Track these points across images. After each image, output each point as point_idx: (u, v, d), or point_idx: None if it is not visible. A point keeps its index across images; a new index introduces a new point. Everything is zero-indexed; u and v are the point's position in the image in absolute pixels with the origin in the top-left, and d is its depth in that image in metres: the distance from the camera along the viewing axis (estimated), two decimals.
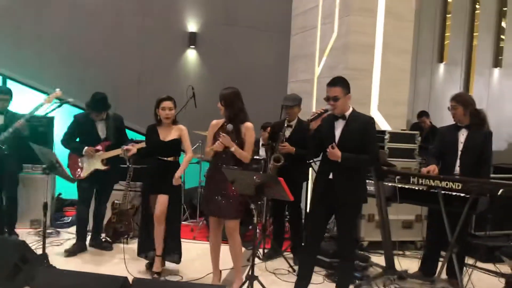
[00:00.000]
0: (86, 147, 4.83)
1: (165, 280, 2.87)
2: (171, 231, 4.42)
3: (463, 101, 4.33)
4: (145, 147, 4.53)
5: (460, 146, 4.34)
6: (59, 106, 4.58)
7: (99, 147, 4.90)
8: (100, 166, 4.91)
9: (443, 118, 8.70)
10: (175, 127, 4.43)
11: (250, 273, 3.54)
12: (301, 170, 5.07)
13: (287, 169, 4.76)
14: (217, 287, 2.91)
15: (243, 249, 4.91)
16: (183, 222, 6.27)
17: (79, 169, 4.93)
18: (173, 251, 4.47)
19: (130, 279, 2.97)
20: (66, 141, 4.94)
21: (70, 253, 4.86)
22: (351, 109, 3.75)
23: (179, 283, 2.93)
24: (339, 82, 3.68)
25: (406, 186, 4.36)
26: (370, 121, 3.76)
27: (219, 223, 4.14)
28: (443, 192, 4.04)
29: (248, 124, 4.05)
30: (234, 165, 3.94)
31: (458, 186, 3.89)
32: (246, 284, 3.54)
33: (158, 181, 4.34)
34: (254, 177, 3.40)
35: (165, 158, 4.37)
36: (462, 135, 4.36)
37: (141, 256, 4.53)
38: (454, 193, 4.05)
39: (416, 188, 4.32)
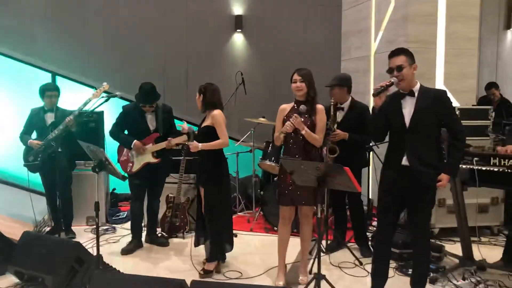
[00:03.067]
0: (135, 141, 4.66)
1: (224, 282, 2.66)
2: (220, 224, 4.17)
3: None
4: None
5: None
6: (107, 100, 4.42)
7: (148, 140, 4.72)
8: (151, 159, 4.73)
9: None
10: (210, 114, 4.14)
11: (317, 270, 3.25)
12: (358, 157, 4.70)
13: (341, 157, 4.37)
14: None
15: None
16: (239, 213, 6.11)
17: (130, 164, 4.78)
18: (224, 244, 4.26)
19: (188, 278, 2.76)
20: (114, 133, 4.79)
21: (127, 251, 4.74)
22: (419, 84, 3.32)
23: (239, 285, 2.69)
24: (402, 51, 3.27)
25: (485, 168, 3.94)
26: (444, 94, 3.31)
27: (292, 212, 3.90)
28: None
29: (320, 106, 3.83)
30: (304, 150, 3.74)
31: None
32: (313, 284, 3.24)
33: (200, 173, 4.16)
34: (317, 167, 3.07)
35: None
36: None
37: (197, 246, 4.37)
38: None
39: (497, 169, 3.89)
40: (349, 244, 4.78)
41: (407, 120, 3.24)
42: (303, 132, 3.69)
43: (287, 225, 3.94)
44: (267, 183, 5.89)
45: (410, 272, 3.80)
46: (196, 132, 4.23)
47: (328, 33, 7.63)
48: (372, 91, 3.30)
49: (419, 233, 3.38)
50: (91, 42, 7.31)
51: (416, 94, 3.27)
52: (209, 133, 4.09)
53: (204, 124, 4.15)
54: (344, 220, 4.94)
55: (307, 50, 7.53)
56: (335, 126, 4.53)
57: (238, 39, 7.72)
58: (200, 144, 4.04)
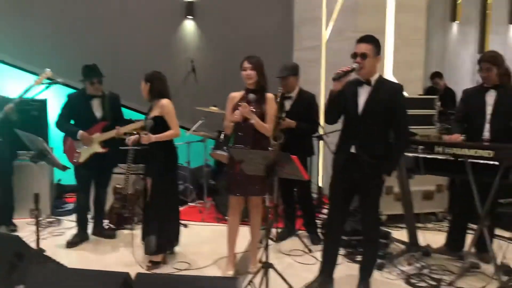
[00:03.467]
0: (80, 132, 4.47)
1: (170, 274, 2.60)
2: (167, 215, 4.10)
3: (497, 61, 3.89)
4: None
5: (489, 109, 3.94)
6: (48, 87, 4.23)
7: (95, 129, 4.54)
8: (99, 149, 4.57)
9: (458, 79, 8.28)
10: (157, 103, 4.03)
11: (264, 259, 3.23)
12: (305, 145, 4.70)
13: (288, 145, 4.31)
14: (229, 280, 2.60)
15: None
16: (190, 204, 6.03)
17: (76, 154, 4.60)
18: (172, 237, 4.22)
19: (136, 270, 2.67)
20: (60, 124, 4.58)
21: (72, 244, 4.58)
22: (378, 75, 3.33)
23: (186, 276, 2.63)
24: (371, 40, 3.24)
25: (430, 156, 4.03)
26: (400, 89, 3.31)
27: (241, 202, 3.88)
28: (470, 161, 3.70)
29: (270, 95, 3.80)
30: (254, 139, 3.70)
31: (490, 154, 3.51)
32: (261, 273, 3.23)
33: (148, 163, 4.07)
34: (265, 156, 3.04)
35: None
36: (490, 97, 3.95)
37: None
38: (483, 162, 3.72)
39: (441, 157, 3.99)
40: (299, 232, 4.81)
41: (360, 108, 3.26)
42: (252, 121, 3.65)
43: (236, 214, 3.91)
44: (220, 172, 5.84)
45: (358, 259, 3.86)
46: (146, 123, 4.07)
47: (281, 22, 7.58)
48: (330, 77, 3.25)
49: (368, 219, 3.43)
50: (34, 26, 6.95)
51: (373, 84, 3.27)
52: (159, 124, 3.98)
53: (152, 115, 4.03)
54: (294, 209, 4.96)
55: (260, 38, 7.46)
56: (284, 115, 4.52)
57: (189, 26, 7.56)
58: (153, 136, 3.92)
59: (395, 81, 5.69)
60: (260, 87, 3.76)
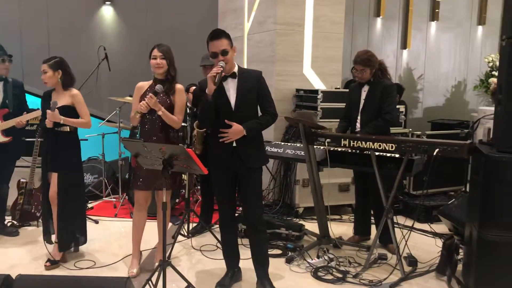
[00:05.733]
0: None
1: (52, 276, 2.43)
2: (72, 212, 3.90)
3: (370, 62, 4.14)
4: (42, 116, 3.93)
5: (362, 103, 4.24)
6: None
7: None
8: (0, 138, 4.27)
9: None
10: (67, 93, 3.84)
11: (163, 257, 3.10)
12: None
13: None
14: (118, 280, 2.46)
15: (170, 224, 4.51)
16: (105, 198, 5.78)
17: None
18: (78, 233, 4.03)
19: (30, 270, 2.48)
20: None
21: None
22: (237, 66, 3.32)
23: (66, 277, 2.46)
24: (224, 34, 3.20)
25: (338, 149, 4.07)
26: (261, 75, 3.34)
27: (147, 197, 3.75)
28: (376, 154, 3.77)
29: (179, 86, 3.68)
30: (162, 132, 3.59)
31: (392, 147, 3.57)
32: (157, 272, 3.10)
33: (51, 155, 3.79)
34: (160, 148, 2.91)
35: (57, 129, 3.78)
36: (364, 92, 4.26)
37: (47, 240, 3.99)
38: (387, 154, 3.81)
39: (348, 150, 4.04)
40: (214, 227, 4.72)
41: (233, 102, 3.24)
42: (159, 112, 3.51)
43: (142, 210, 3.77)
44: None
45: None
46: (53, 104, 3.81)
47: (206, 12, 7.43)
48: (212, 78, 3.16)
49: (255, 211, 3.36)
50: None
51: (237, 75, 3.27)
52: (70, 114, 3.78)
53: (62, 104, 3.79)
54: (211, 203, 4.85)
55: (183, 27, 7.27)
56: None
57: (108, 12, 7.22)
58: (61, 117, 3.68)
59: (314, 74, 5.73)
60: (170, 77, 3.63)
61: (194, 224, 4.76)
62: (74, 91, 3.85)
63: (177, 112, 3.64)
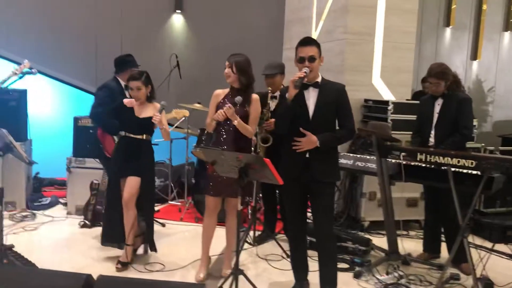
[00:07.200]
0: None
1: (132, 279, 2.50)
2: (144, 217, 4.03)
3: (445, 75, 4.01)
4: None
5: (436, 117, 4.10)
6: (21, 77, 4.10)
7: None
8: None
9: None
10: (151, 105, 3.96)
11: (235, 265, 3.11)
12: None
13: (275, 147, 4.15)
14: (194, 287, 2.49)
15: None
16: (170, 202, 5.91)
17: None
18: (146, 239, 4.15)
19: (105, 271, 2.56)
20: (101, 115, 4.22)
21: None
22: (321, 76, 3.30)
23: (147, 281, 2.52)
24: (315, 42, 3.23)
25: (412, 163, 3.94)
26: (344, 88, 3.32)
27: (217, 204, 3.78)
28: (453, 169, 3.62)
29: (255, 96, 3.70)
30: (234, 140, 3.61)
31: (472, 163, 3.42)
32: (230, 279, 3.11)
33: (128, 161, 3.90)
34: (237, 157, 2.93)
35: (137, 136, 3.90)
36: (438, 105, 4.11)
37: (106, 245, 4.12)
38: (464, 171, 3.64)
39: (423, 165, 3.90)
40: (278, 236, 4.70)
41: (311, 111, 3.22)
42: (235, 123, 3.54)
43: (212, 216, 3.80)
44: (202, 171, 5.70)
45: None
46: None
47: (272, 20, 7.46)
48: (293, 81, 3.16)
49: (321, 223, 3.32)
50: (16, 15, 6.78)
51: (320, 85, 3.24)
52: (151, 126, 3.91)
53: (146, 115, 3.89)
54: (274, 212, 4.85)
55: (249, 36, 7.34)
56: (269, 115, 4.41)
57: (178, 20, 7.42)
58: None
59: (383, 85, 5.61)
60: (244, 87, 3.64)
61: (258, 232, 4.75)
62: (158, 104, 3.93)
63: (252, 122, 3.67)
